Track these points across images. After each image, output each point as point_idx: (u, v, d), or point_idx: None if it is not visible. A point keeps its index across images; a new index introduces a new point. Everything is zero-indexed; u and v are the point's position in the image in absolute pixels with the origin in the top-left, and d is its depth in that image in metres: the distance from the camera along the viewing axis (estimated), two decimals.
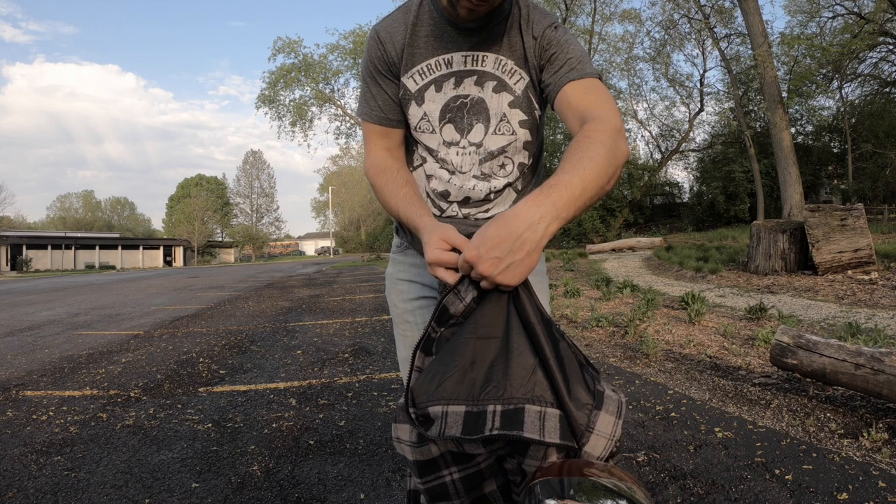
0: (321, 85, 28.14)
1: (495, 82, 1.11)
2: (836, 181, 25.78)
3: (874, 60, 22.78)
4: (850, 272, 7.88)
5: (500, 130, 1.13)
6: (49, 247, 45.09)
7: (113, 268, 45.76)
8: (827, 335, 4.38)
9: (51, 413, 3.29)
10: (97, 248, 48.97)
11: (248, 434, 2.85)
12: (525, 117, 1.13)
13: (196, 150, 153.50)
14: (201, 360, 4.77)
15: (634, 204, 30.57)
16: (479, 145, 1.14)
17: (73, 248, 46.80)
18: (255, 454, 2.57)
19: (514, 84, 1.11)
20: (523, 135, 1.14)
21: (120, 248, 50.92)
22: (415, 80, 1.13)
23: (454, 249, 0.89)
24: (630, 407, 3.07)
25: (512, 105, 1.12)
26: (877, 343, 3.76)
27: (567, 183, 0.80)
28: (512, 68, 1.11)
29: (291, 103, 28.19)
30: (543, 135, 1.26)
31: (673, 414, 2.94)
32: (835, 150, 26.87)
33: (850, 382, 2.79)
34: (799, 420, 2.76)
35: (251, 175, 68.86)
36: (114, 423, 3.08)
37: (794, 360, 3.05)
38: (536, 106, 1.14)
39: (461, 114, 1.13)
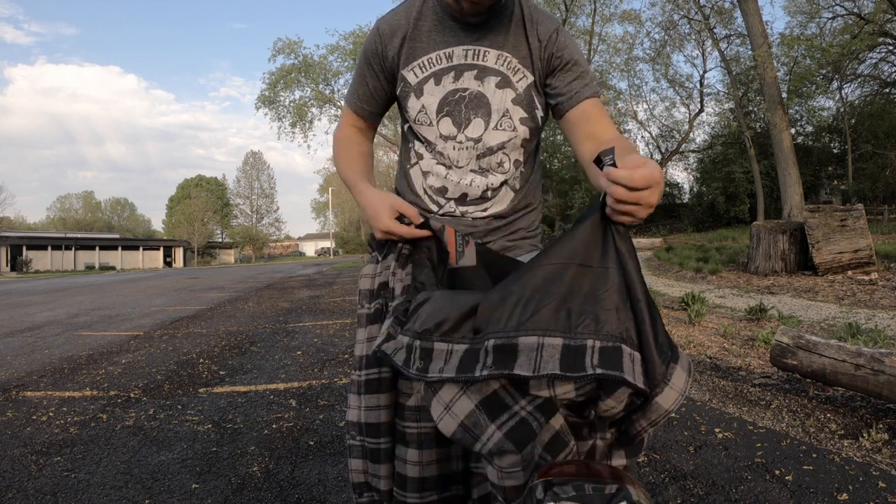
0: (321, 86, 28.12)
1: (498, 78, 1.12)
2: (836, 182, 25.78)
3: (874, 61, 22.81)
4: (850, 273, 7.88)
5: (501, 126, 1.13)
6: (49, 247, 45.05)
7: (113, 268, 45.71)
8: (827, 336, 4.38)
9: (51, 414, 3.29)
10: (97, 248, 48.91)
11: (248, 435, 2.85)
12: (525, 115, 1.14)
13: (197, 150, 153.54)
14: (201, 360, 4.77)
15: None
16: (477, 140, 1.14)
17: (73, 248, 46.77)
18: (255, 455, 2.57)
19: (518, 81, 1.12)
20: (523, 132, 1.15)
21: (120, 248, 50.87)
22: (415, 74, 1.14)
23: (401, 218, 1.07)
24: None
25: (515, 102, 1.13)
26: (877, 343, 3.77)
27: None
28: (516, 66, 1.12)
29: (291, 104, 28.15)
30: (541, 136, 1.26)
31: (673, 414, 2.94)
32: (835, 151, 26.86)
33: (850, 383, 2.79)
34: (799, 421, 2.76)
35: (251, 176, 68.86)
36: (114, 423, 3.08)
37: (794, 360, 3.05)
38: (538, 106, 1.15)
39: (459, 108, 1.13)
